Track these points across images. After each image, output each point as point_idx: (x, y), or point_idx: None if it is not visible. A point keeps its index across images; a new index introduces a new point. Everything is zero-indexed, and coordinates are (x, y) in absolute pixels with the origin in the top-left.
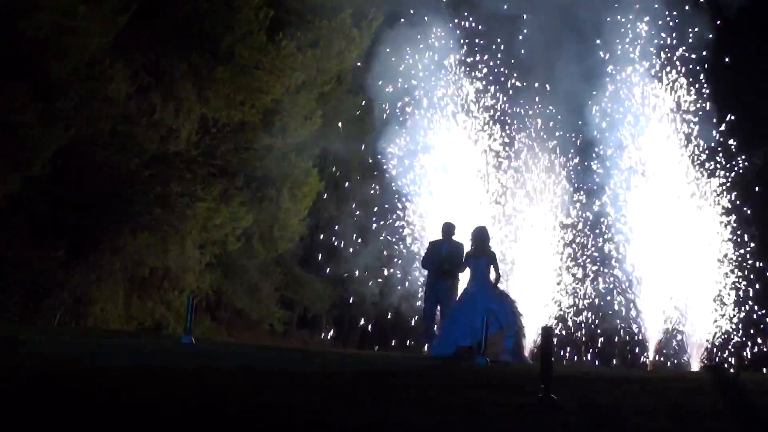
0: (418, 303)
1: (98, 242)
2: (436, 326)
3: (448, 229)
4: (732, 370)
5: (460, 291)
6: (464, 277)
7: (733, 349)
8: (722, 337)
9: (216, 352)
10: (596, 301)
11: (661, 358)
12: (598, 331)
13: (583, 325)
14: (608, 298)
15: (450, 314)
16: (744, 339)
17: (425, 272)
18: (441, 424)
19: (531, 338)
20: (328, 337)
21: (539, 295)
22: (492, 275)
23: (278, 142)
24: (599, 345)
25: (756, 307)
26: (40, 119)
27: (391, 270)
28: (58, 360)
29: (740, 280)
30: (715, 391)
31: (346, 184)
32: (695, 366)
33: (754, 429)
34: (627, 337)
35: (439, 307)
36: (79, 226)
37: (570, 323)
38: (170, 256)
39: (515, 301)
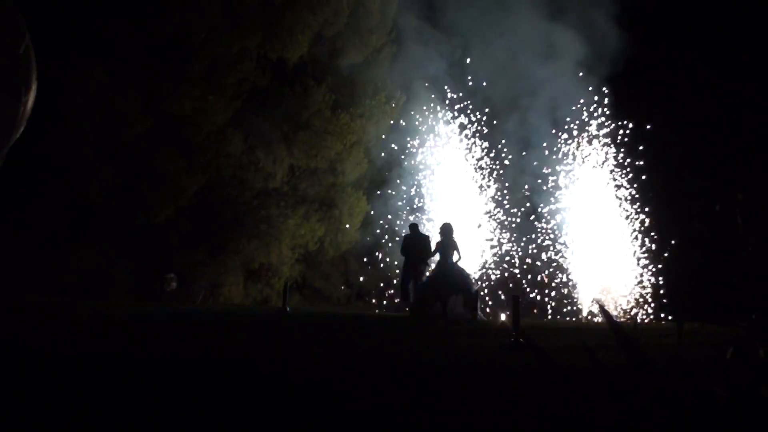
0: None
1: (224, 248)
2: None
3: (415, 228)
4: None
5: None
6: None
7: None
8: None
9: (301, 315)
10: (539, 266)
11: (592, 313)
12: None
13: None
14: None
15: (428, 279)
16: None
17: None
18: (440, 358)
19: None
20: (375, 309)
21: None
22: (455, 257)
23: (339, 180)
24: (545, 302)
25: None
26: (185, 170)
27: None
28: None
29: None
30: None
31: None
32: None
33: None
34: (566, 297)
35: (411, 283)
36: (212, 238)
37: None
38: (272, 255)
39: (470, 274)
